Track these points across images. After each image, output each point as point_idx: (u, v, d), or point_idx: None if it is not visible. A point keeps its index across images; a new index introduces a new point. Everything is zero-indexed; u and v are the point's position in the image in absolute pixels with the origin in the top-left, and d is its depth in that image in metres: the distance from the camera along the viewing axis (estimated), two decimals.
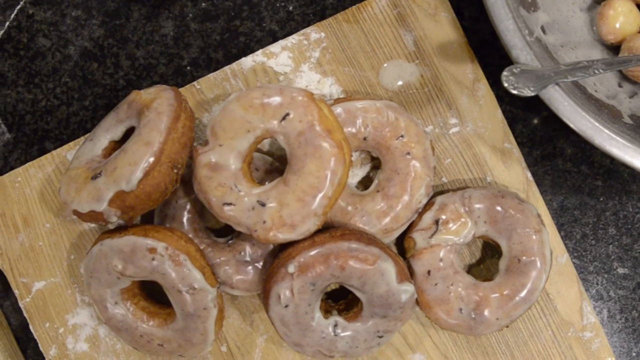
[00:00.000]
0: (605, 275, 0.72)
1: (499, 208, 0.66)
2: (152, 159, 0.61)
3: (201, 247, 0.67)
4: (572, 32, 0.70)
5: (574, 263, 0.71)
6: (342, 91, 0.70)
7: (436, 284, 0.66)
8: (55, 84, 0.74)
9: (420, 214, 0.67)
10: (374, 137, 0.66)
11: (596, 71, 0.62)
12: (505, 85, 0.59)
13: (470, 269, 0.70)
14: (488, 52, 0.72)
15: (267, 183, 0.66)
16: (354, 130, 0.66)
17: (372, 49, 0.70)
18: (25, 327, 0.73)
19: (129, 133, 0.66)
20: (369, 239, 0.64)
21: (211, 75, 0.70)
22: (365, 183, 0.70)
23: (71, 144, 0.70)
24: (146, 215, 0.69)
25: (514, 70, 0.60)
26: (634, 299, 0.72)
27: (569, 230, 0.72)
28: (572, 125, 0.61)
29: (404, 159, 0.66)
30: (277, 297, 0.63)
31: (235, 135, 0.63)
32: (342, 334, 0.65)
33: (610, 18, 0.69)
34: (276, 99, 0.62)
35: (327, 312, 0.66)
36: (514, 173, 0.69)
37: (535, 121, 0.72)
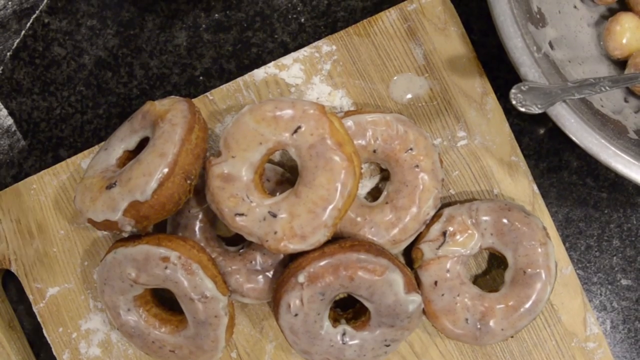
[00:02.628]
0: (609, 287, 0.73)
1: (505, 221, 0.67)
2: (166, 170, 0.63)
3: (212, 256, 0.68)
4: (579, 47, 0.71)
5: (578, 274, 0.72)
6: (353, 103, 0.71)
7: (443, 295, 0.67)
8: (70, 92, 0.75)
9: (428, 225, 0.68)
10: (384, 150, 0.67)
11: (602, 88, 0.63)
12: (514, 102, 0.60)
13: (476, 280, 0.71)
14: (496, 65, 0.73)
15: (278, 193, 0.67)
16: (363, 142, 0.67)
17: (382, 62, 0.71)
18: (38, 332, 0.74)
19: (143, 143, 0.68)
20: (377, 250, 0.65)
21: (224, 87, 0.71)
22: (374, 194, 0.71)
23: (85, 152, 0.72)
24: (159, 224, 0.71)
25: (522, 87, 0.61)
26: (637, 310, 0.73)
27: (574, 241, 0.73)
28: (578, 142, 0.62)
29: (412, 171, 0.67)
30: (287, 306, 0.65)
31: (247, 147, 0.64)
32: (350, 343, 0.66)
33: (617, 34, 0.70)
34: (288, 112, 0.63)
35: (335, 321, 0.67)
36: (520, 186, 0.71)
37: (542, 132, 0.73)
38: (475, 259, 0.71)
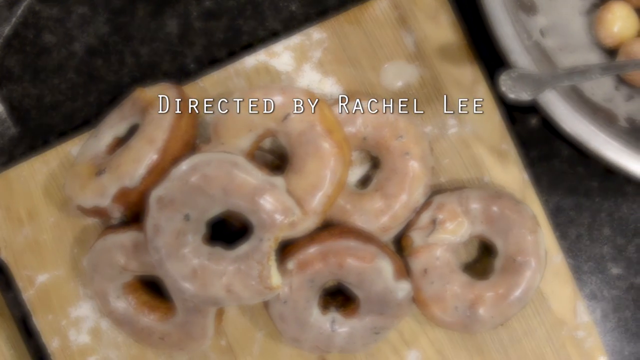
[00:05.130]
0: (599, 275, 0.73)
1: (495, 208, 0.67)
2: (155, 157, 0.63)
3: None
4: (570, 35, 0.71)
5: (568, 263, 0.72)
6: (343, 91, 0.71)
7: (432, 282, 0.67)
8: (61, 80, 0.75)
9: (418, 213, 0.68)
10: (374, 137, 0.67)
11: (593, 76, 0.62)
12: (503, 89, 0.60)
13: (466, 268, 0.71)
14: (487, 54, 0.73)
15: None
16: (353, 130, 0.67)
17: (373, 50, 0.71)
18: (28, 319, 0.74)
19: (132, 130, 0.67)
20: (367, 237, 0.65)
21: (214, 74, 0.71)
22: (364, 182, 0.71)
23: (75, 139, 0.71)
24: None
25: (512, 74, 0.61)
26: (627, 298, 0.73)
27: (564, 230, 0.73)
28: (567, 129, 0.62)
29: (402, 158, 0.67)
30: None
31: (237, 134, 0.64)
32: (339, 330, 0.66)
33: (608, 22, 0.69)
34: (278, 99, 0.63)
35: (325, 308, 0.67)
36: (510, 174, 0.70)
37: (533, 121, 0.73)
38: (465, 247, 0.71)
